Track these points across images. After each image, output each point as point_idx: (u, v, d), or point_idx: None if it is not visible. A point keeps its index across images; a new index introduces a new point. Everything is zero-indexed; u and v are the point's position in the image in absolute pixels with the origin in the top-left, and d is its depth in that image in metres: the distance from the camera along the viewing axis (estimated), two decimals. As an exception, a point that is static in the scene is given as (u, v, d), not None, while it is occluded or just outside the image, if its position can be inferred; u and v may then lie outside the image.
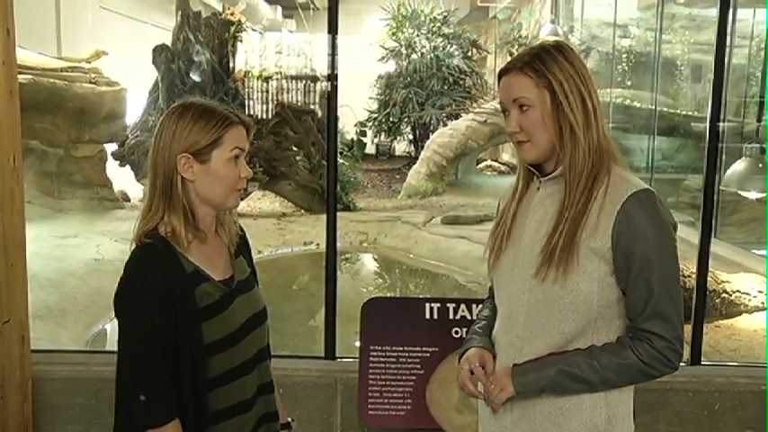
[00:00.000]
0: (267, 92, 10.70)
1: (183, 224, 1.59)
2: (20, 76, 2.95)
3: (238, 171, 1.62)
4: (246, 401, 1.68)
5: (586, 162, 1.52)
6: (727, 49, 3.12)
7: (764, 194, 4.21)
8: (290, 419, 1.93)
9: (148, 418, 1.56)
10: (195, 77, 8.99)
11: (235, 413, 1.65)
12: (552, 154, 1.56)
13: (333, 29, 2.98)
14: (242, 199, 1.73)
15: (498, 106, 1.67)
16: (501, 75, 1.61)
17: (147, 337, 1.55)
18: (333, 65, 3.00)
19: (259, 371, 1.72)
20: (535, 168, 1.62)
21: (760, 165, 4.20)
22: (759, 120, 5.28)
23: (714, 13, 2.93)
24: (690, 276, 3.47)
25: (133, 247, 1.60)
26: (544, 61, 1.53)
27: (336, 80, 3.01)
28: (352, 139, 13.70)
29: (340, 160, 10.42)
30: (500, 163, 13.93)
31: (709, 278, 3.66)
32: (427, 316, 2.43)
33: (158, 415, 1.56)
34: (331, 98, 3.05)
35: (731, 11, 6.72)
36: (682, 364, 3.02)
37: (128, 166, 8.86)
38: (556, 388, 1.53)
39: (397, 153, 14.72)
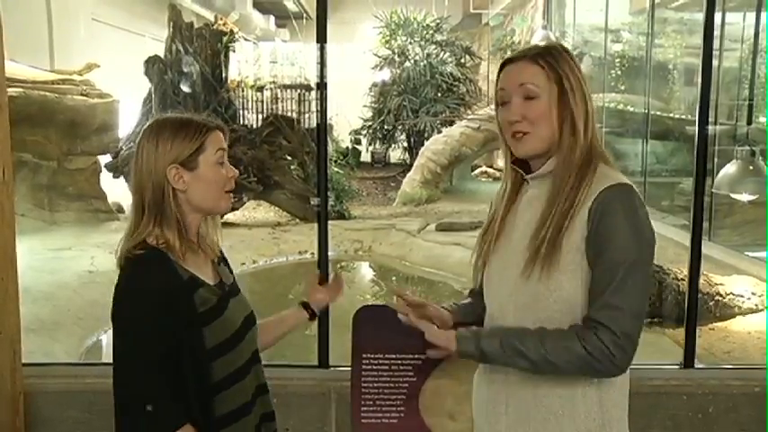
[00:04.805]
0: (261, 101, 10.72)
1: (177, 236, 1.62)
2: (10, 89, 2.95)
3: (225, 172, 1.68)
4: (248, 403, 1.70)
5: (578, 162, 1.53)
6: (716, 53, 3.14)
7: (756, 197, 4.22)
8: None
9: (157, 428, 1.56)
10: (188, 88, 8.99)
11: (239, 416, 1.67)
12: (547, 150, 1.57)
13: (321, 38, 2.99)
14: (234, 209, 1.77)
15: (492, 113, 1.66)
16: (506, 63, 1.61)
17: (150, 345, 1.55)
18: (322, 74, 3.02)
19: (255, 372, 1.75)
20: (522, 167, 1.63)
21: (751, 167, 4.21)
22: (749, 122, 5.31)
23: (706, 17, 2.95)
24: (683, 280, 3.48)
25: (123, 262, 1.61)
26: (556, 57, 1.55)
27: (326, 89, 3.03)
28: (347, 148, 13.70)
29: (335, 169, 10.42)
30: (495, 169, 13.94)
31: (702, 281, 3.67)
32: (419, 323, 2.42)
33: (167, 423, 1.56)
34: (320, 107, 3.06)
35: (721, 15, 6.76)
36: (675, 366, 3.07)
37: (121, 178, 8.84)
38: (496, 354, 1.53)
39: (392, 161, 14.73)
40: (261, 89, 10.87)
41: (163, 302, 1.55)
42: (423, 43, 13.51)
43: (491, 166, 14.13)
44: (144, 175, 1.62)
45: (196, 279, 1.63)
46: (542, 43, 1.63)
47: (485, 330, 1.58)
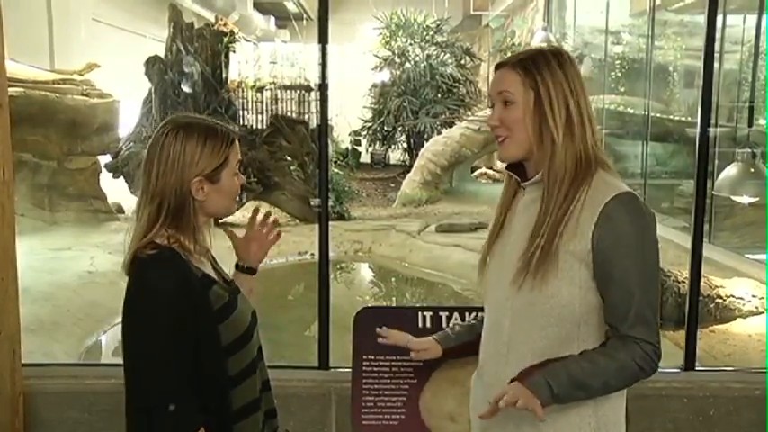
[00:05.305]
0: (261, 102, 10.72)
1: (192, 239, 1.64)
2: (10, 89, 2.95)
3: (237, 180, 1.72)
4: (257, 399, 1.73)
5: (567, 169, 1.52)
6: (717, 55, 3.13)
7: (756, 199, 4.22)
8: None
9: (179, 427, 1.56)
10: (188, 88, 8.98)
11: (250, 412, 1.70)
12: (531, 155, 1.58)
13: (323, 39, 2.99)
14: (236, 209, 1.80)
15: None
16: (496, 68, 1.64)
17: (170, 343, 1.55)
18: (323, 74, 3.01)
19: (260, 368, 1.77)
20: (517, 173, 1.64)
21: (751, 169, 4.22)
22: (750, 125, 5.31)
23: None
24: (683, 282, 3.47)
25: (134, 263, 1.59)
26: (536, 63, 1.56)
27: (327, 90, 3.03)
28: (346, 149, 13.70)
29: (335, 170, 10.41)
30: (495, 170, 13.94)
31: (703, 283, 3.67)
32: (420, 325, 2.42)
33: (189, 422, 1.57)
34: (321, 107, 3.06)
35: (721, 17, 6.77)
36: (676, 369, 3.06)
37: (121, 178, 8.83)
38: (564, 392, 1.49)
39: (392, 162, 14.73)
40: (261, 90, 10.87)
41: (181, 300, 1.56)
42: (423, 44, 13.51)
43: (491, 168, 14.12)
44: (168, 182, 1.61)
45: (208, 276, 1.65)
46: (537, 46, 1.64)
47: (548, 371, 1.50)
